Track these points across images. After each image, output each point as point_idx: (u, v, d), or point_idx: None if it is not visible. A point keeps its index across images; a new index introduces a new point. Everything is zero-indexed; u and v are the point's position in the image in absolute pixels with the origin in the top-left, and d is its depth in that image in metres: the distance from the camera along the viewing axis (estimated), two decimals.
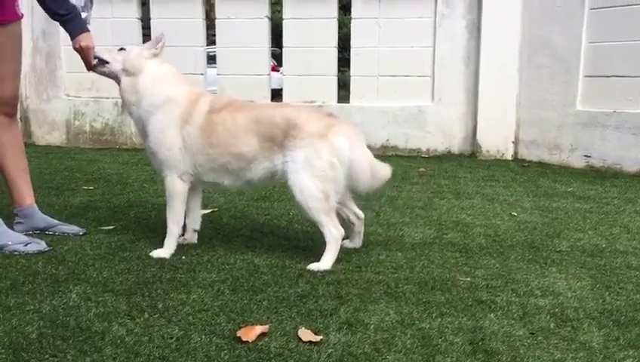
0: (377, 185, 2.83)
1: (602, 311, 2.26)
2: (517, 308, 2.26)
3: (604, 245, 3.15)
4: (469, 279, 2.57)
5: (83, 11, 3.13)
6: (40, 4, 2.92)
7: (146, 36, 6.63)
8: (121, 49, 2.93)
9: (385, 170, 2.83)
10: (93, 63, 2.94)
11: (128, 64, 2.86)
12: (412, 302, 2.30)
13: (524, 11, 5.99)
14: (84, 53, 2.93)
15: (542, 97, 5.90)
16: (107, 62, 2.91)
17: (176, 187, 2.84)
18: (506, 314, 2.21)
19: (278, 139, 2.71)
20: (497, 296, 2.38)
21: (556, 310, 2.25)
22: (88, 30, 2.95)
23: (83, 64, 2.98)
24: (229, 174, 2.83)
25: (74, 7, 2.96)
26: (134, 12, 6.60)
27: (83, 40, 2.90)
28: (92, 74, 3.02)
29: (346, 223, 2.91)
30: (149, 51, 2.90)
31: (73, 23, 2.93)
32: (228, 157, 2.78)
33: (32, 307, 2.17)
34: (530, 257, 2.92)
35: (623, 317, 2.20)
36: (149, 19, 6.66)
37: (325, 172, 2.66)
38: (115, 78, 2.92)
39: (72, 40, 2.93)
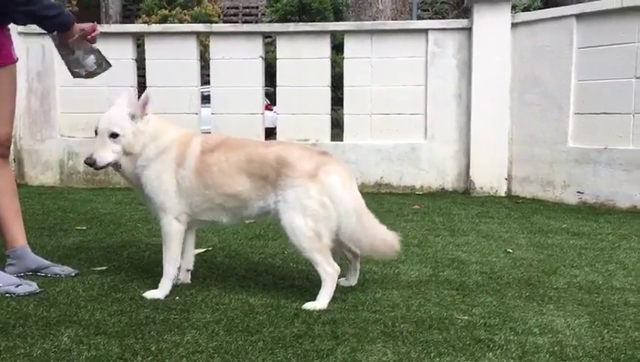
0: (368, 246, 2.81)
1: (601, 349, 2.23)
2: (516, 346, 2.24)
3: (600, 282, 3.13)
4: (466, 317, 2.55)
5: (103, 68, 3.16)
6: (36, 22, 2.92)
7: (141, 77, 6.71)
8: (112, 135, 2.73)
9: (385, 238, 2.83)
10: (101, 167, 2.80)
11: (129, 148, 2.75)
12: (409, 341, 2.27)
13: (514, 50, 6.09)
14: (89, 33, 2.95)
15: (534, 134, 5.96)
16: (119, 166, 2.80)
17: (173, 228, 2.83)
18: (504, 353, 2.18)
19: (271, 178, 2.71)
20: (495, 335, 2.35)
21: (555, 348, 2.23)
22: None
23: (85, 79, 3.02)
24: (226, 213, 2.84)
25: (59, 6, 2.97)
26: (130, 53, 6.65)
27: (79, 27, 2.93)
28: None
29: (342, 261, 2.89)
30: (139, 122, 2.77)
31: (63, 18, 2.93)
32: (224, 197, 2.79)
33: (22, 350, 2.13)
34: (527, 294, 2.90)
35: (622, 356, 2.18)
36: (144, 59, 6.73)
37: (317, 211, 2.65)
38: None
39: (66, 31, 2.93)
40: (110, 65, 3.19)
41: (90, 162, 2.74)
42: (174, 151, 2.81)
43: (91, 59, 3.13)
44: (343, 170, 2.81)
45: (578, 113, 5.62)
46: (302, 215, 2.65)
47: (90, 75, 3.17)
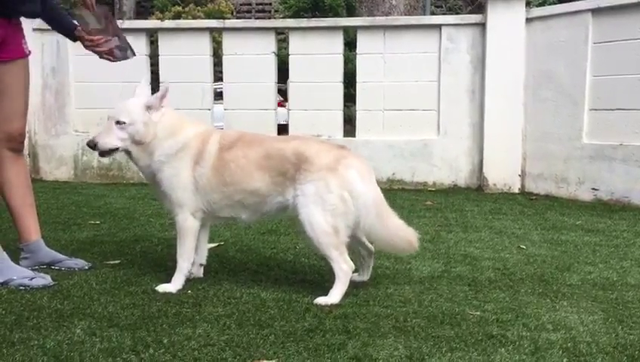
0: (387, 238, 2.79)
1: (615, 346, 2.21)
2: (528, 342, 2.22)
3: (615, 278, 3.10)
4: (478, 313, 2.53)
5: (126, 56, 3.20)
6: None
7: (154, 73, 6.73)
8: (118, 122, 2.74)
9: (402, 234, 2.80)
10: (103, 151, 2.81)
11: (138, 137, 2.75)
12: (421, 336, 2.26)
13: (528, 46, 6.04)
14: (93, 43, 3.00)
15: (548, 131, 5.91)
16: (116, 149, 2.79)
17: (188, 224, 2.83)
18: (517, 349, 2.17)
19: (290, 173, 2.70)
20: (508, 331, 2.33)
21: (569, 344, 2.21)
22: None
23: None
24: (245, 209, 2.83)
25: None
26: (143, 49, 6.67)
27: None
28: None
29: (356, 257, 2.88)
30: (154, 113, 2.77)
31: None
32: (243, 194, 2.78)
33: (36, 342, 2.15)
34: (540, 291, 2.88)
35: (637, 352, 2.16)
36: (157, 55, 6.76)
37: (336, 206, 2.64)
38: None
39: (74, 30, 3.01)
40: (134, 55, 3.20)
41: (92, 145, 2.78)
42: (193, 148, 2.80)
43: (115, 41, 3.11)
44: (362, 164, 2.78)
45: (593, 109, 5.56)
46: (321, 209, 2.63)
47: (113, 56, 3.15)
